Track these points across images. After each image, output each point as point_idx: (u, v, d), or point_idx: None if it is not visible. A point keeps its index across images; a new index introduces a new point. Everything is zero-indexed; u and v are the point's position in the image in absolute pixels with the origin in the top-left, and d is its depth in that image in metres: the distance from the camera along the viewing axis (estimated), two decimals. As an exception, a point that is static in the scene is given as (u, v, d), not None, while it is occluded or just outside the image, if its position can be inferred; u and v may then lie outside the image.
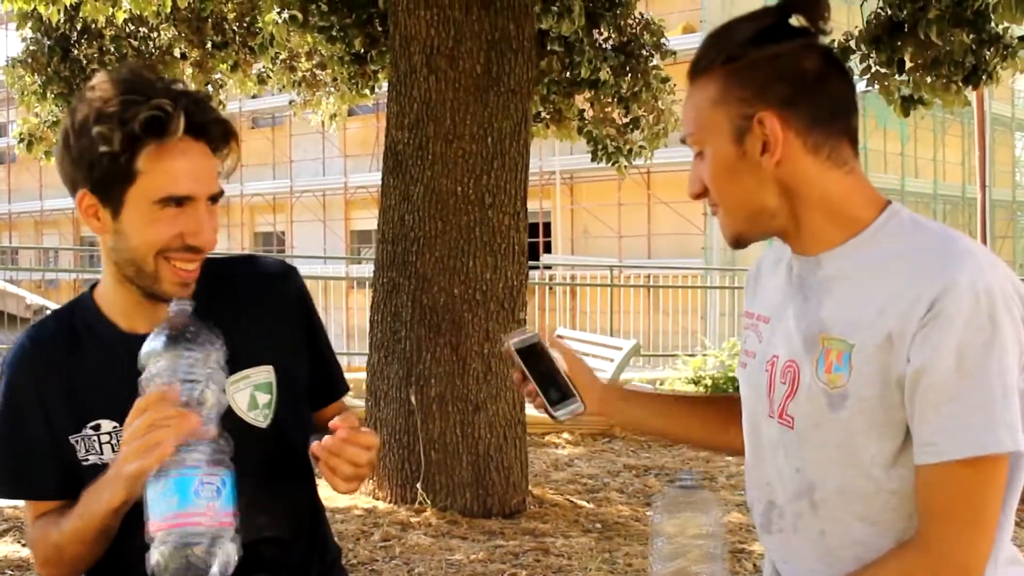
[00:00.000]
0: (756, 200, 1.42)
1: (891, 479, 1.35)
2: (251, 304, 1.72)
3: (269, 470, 1.69)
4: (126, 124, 1.50)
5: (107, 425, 1.63)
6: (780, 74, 1.38)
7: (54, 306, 13.34)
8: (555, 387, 1.64)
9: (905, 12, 6.15)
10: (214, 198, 1.60)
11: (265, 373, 1.70)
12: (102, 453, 1.63)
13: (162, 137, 1.51)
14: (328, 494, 1.85)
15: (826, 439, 1.39)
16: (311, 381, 1.79)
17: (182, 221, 1.56)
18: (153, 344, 1.46)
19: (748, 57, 1.38)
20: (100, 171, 1.54)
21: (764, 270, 1.63)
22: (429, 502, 5.05)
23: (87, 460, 1.64)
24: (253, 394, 1.68)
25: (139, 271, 1.59)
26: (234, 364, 1.58)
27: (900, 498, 1.36)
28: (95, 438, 1.64)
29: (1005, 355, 1.28)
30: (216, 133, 1.59)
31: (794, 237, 1.46)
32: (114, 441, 1.63)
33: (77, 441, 1.64)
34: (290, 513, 1.76)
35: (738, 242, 1.48)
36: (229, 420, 1.60)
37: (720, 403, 1.83)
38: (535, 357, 1.66)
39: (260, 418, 1.69)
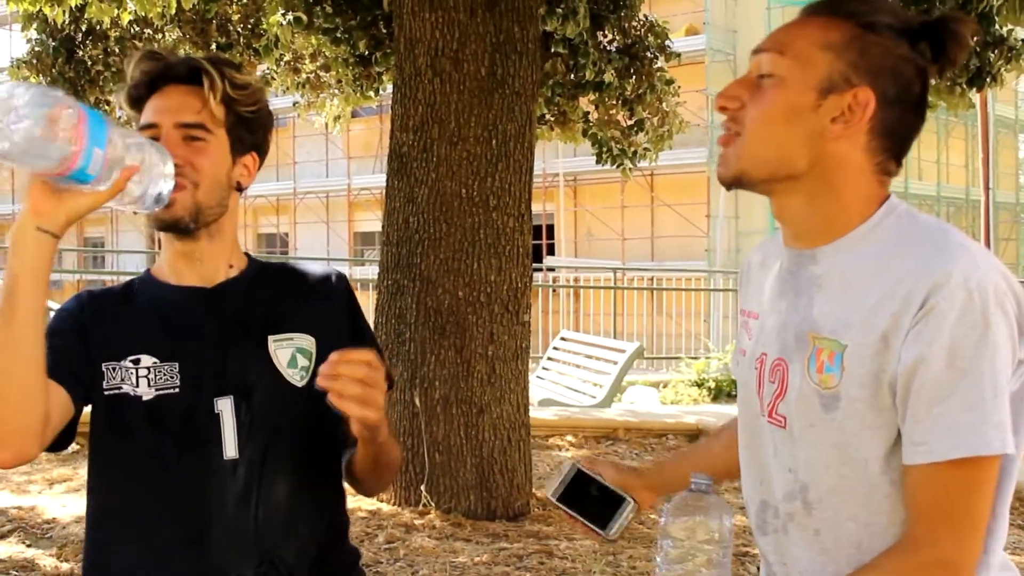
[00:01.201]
0: (788, 154, 1.38)
1: (884, 481, 1.35)
2: (298, 288, 1.83)
3: (301, 433, 1.75)
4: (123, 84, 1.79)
5: (147, 360, 1.71)
6: (897, 74, 1.37)
7: (58, 306, 13.37)
8: (602, 510, 1.68)
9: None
10: (188, 127, 1.71)
11: (308, 341, 1.77)
12: (137, 385, 1.69)
13: (124, 90, 1.76)
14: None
15: (821, 439, 1.38)
16: None
17: None
18: None
19: (883, 37, 1.36)
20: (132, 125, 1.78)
21: (754, 266, 1.61)
22: (433, 504, 5.05)
23: (117, 389, 1.69)
24: (295, 354, 1.76)
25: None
26: (280, 326, 1.76)
27: (893, 500, 1.35)
28: (133, 370, 1.70)
29: (997, 353, 1.26)
30: (186, 73, 1.73)
31: (796, 217, 1.43)
32: (151, 376, 1.70)
33: (110, 369, 1.70)
34: (314, 486, 1.78)
35: (738, 179, 1.42)
36: (268, 374, 1.73)
37: None
38: (576, 491, 1.71)
39: (297, 377, 1.75)
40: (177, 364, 1.70)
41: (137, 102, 1.75)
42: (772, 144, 1.38)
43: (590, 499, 1.69)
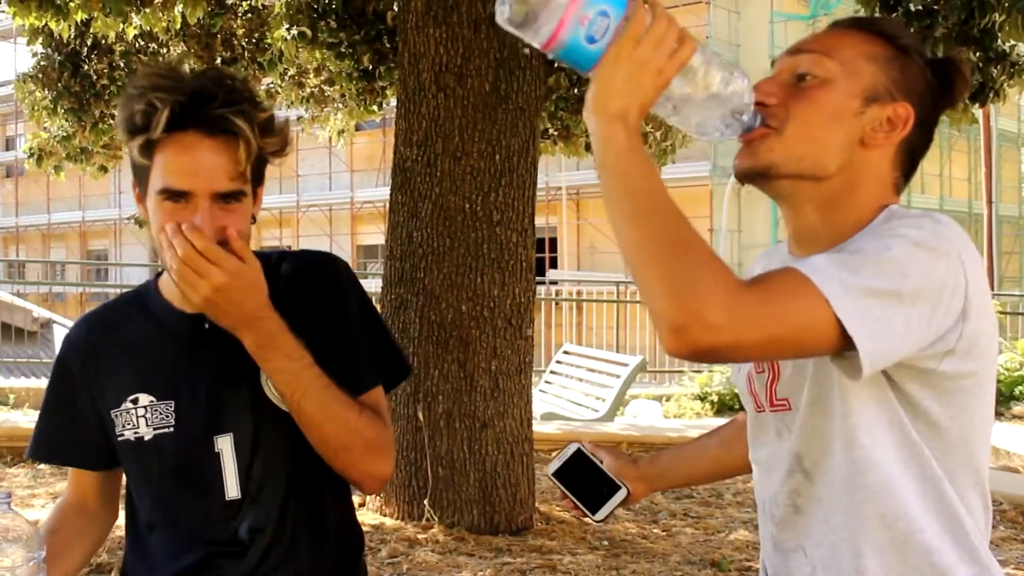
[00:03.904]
0: (824, 156, 1.39)
1: (893, 447, 1.34)
2: (288, 293, 1.69)
3: (300, 464, 1.70)
4: (127, 120, 1.57)
5: (144, 399, 1.69)
6: (925, 98, 1.42)
7: (61, 319, 13.35)
8: (595, 492, 1.75)
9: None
10: (226, 196, 1.58)
11: None
12: (138, 427, 1.69)
13: (147, 133, 1.54)
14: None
15: (813, 413, 1.40)
16: (333, 369, 1.68)
17: (182, 216, 1.56)
18: None
19: (916, 61, 1.42)
20: (131, 161, 1.62)
21: (756, 272, 1.63)
22: (436, 518, 5.05)
23: (122, 435, 1.70)
24: None
25: (161, 257, 1.61)
26: None
27: (881, 475, 1.35)
28: (133, 411, 1.69)
29: (915, 273, 1.24)
30: (219, 128, 1.56)
31: (807, 222, 1.44)
32: (149, 415, 1.68)
33: (117, 416, 1.70)
34: (315, 515, 1.75)
35: (764, 173, 1.40)
36: (267, 410, 1.67)
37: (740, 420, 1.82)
38: (574, 470, 1.77)
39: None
40: (173, 403, 1.68)
41: (149, 146, 1.57)
42: (811, 142, 1.39)
43: (586, 481, 1.75)
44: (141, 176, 1.62)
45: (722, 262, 1.24)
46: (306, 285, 1.75)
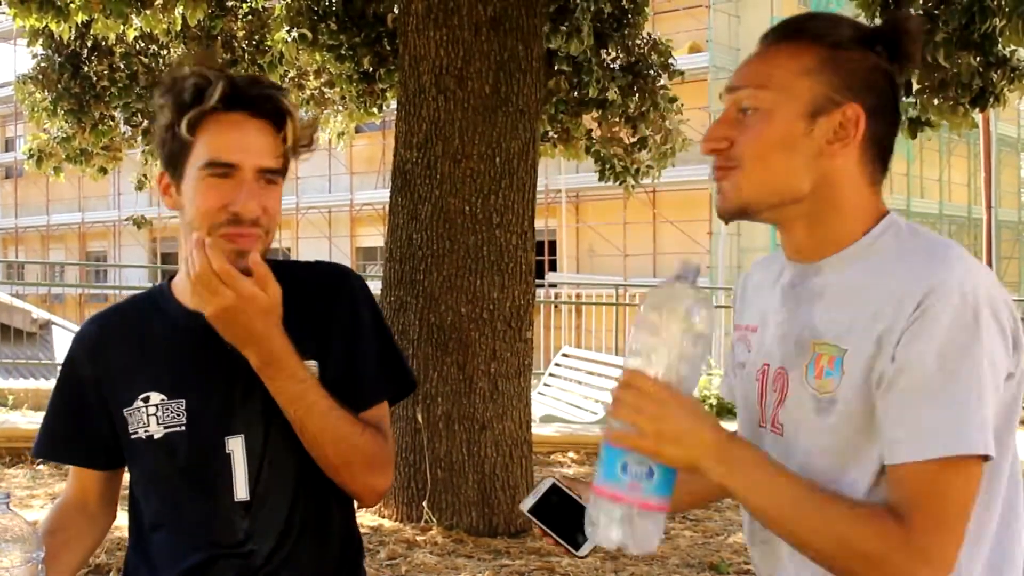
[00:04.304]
0: (791, 181, 1.40)
1: (873, 491, 1.34)
2: (302, 301, 1.72)
3: (308, 467, 1.71)
4: (176, 95, 1.61)
5: (156, 397, 1.70)
6: (873, 84, 1.40)
7: (60, 320, 13.33)
8: (574, 527, 1.66)
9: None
10: (268, 173, 1.64)
11: (312, 367, 1.71)
12: (148, 425, 1.69)
13: (202, 104, 1.59)
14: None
15: (813, 445, 1.39)
16: (342, 383, 1.72)
17: (227, 190, 1.60)
18: None
19: (851, 52, 1.39)
20: (166, 146, 1.65)
21: (751, 283, 1.64)
22: (435, 520, 5.05)
23: (135, 434, 1.71)
24: None
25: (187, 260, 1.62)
26: None
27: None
28: (144, 410, 1.70)
29: (984, 358, 1.27)
30: (265, 108, 1.63)
31: (799, 235, 1.45)
32: (159, 414, 1.69)
33: (129, 415, 1.71)
34: (320, 518, 1.76)
35: (742, 212, 1.44)
36: (278, 412, 1.66)
37: None
38: (550, 506, 1.69)
39: None
40: (184, 401, 1.69)
41: (196, 121, 1.61)
42: (773, 173, 1.40)
43: (564, 516, 1.67)
44: (178, 157, 1.64)
45: (863, 515, 1.29)
46: (319, 298, 1.77)
